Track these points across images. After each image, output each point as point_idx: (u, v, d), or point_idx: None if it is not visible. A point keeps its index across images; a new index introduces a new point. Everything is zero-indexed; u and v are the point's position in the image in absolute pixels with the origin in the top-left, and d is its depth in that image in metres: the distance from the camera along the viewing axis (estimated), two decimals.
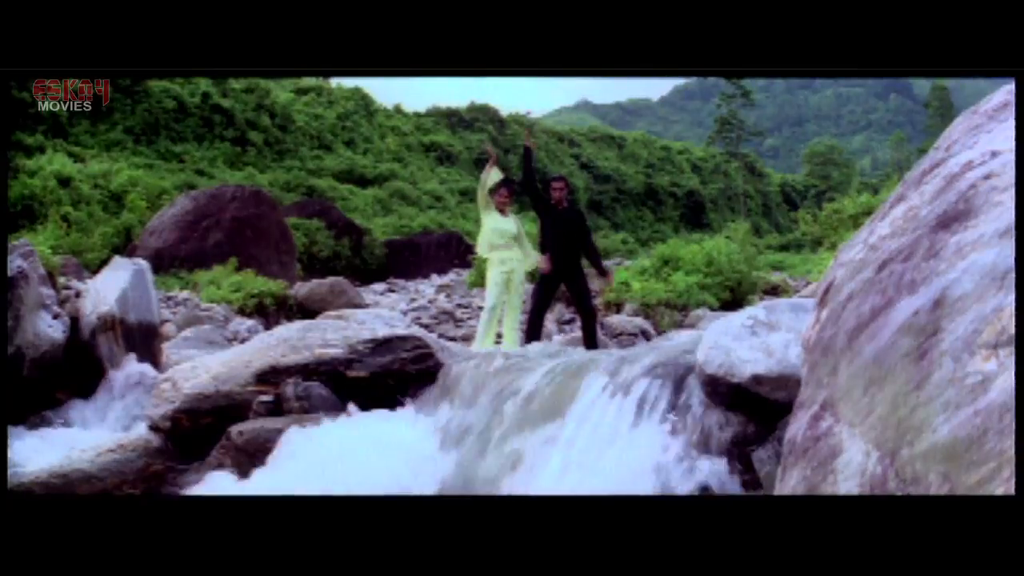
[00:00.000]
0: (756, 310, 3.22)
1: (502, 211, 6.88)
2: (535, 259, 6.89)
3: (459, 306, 12.07)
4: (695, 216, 52.87)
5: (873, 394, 1.76)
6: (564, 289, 7.61)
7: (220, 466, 4.14)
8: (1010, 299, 1.53)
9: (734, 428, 2.94)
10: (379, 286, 18.68)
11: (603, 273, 7.37)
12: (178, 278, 13.34)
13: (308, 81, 42.02)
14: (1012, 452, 1.34)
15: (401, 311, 11.30)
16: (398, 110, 46.70)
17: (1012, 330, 1.48)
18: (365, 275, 21.75)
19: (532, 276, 7.85)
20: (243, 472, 4.00)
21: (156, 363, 6.44)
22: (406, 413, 4.44)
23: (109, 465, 4.30)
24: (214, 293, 11.00)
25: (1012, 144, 1.91)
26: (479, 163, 44.74)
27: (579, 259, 7.03)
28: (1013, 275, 1.56)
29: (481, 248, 6.99)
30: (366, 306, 11.38)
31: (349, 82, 44.65)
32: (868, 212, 13.92)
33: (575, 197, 46.91)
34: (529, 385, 3.95)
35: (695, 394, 3.17)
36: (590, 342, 6.82)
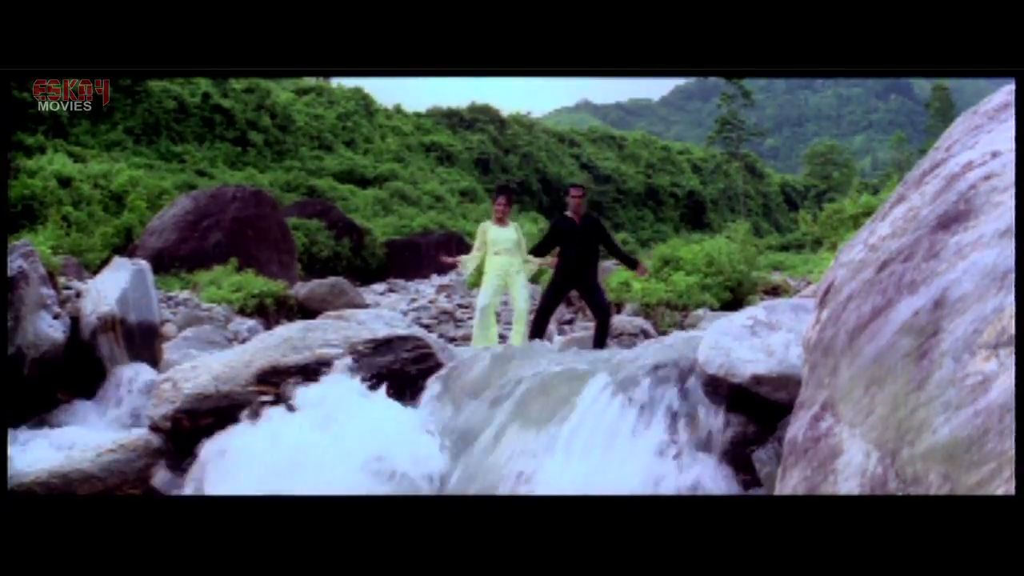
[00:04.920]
0: (756, 310, 3.22)
1: (501, 220, 6.87)
2: (533, 266, 6.99)
3: (459, 306, 12.07)
4: (695, 216, 52.87)
5: (873, 394, 1.76)
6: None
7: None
8: (1010, 299, 1.52)
9: (734, 428, 2.94)
10: (379, 286, 18.66)
11: (635, 266, 7.32)
12: (178, 278, 13.33)
13: (308, 81, 42.01)
14: (1012, 452, 1.34)
15: (401, 311, 11.30)
16: (398, 110, 46.68)
17: (1012, 330, 1.48)
18: (365, 275, 21.74)
19: (536, 279, 7.86)
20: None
21: (156, 363, 6.44)
22: (407, 412, 4.44)
23: (109, 465, 4.30)
24: (214, 293, 10.99)
25: (1012, 144, 1.91)
26: (479, 163, 44.77)
27: (595, 268, 7.05)
28: (1013, 275, 1.56)
29: (467, 266, 7.07)
30: (366, 306, 11.37)
31: (349, 82, 44.69)
32: (868, 212, 13.91)
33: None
34: (531, 384, 3.95)
35: (696, 394, 3.17)
36: (599, 342, 6.84)
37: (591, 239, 6.89)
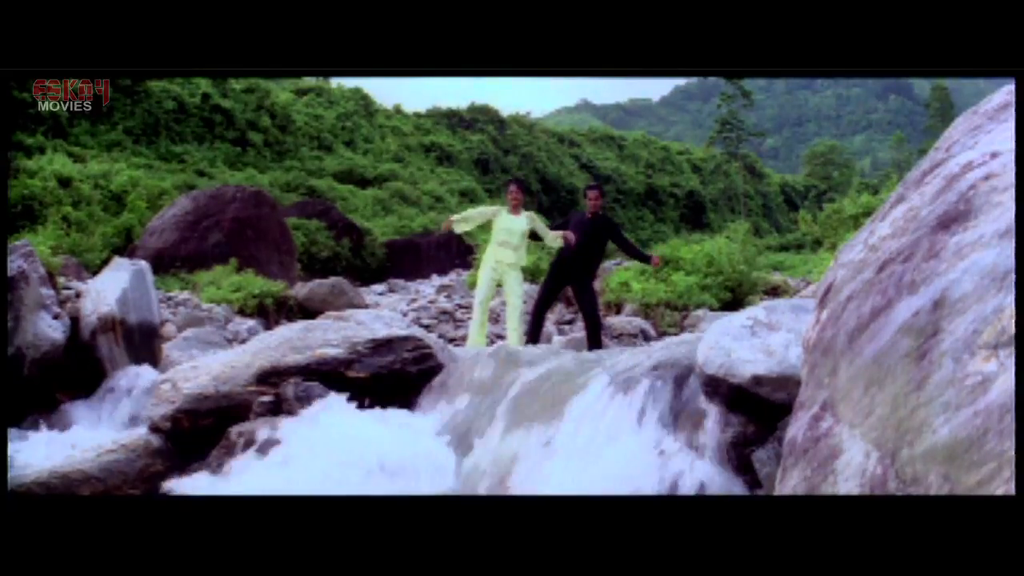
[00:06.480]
0: (756, 310, 3.22)
1: (516, 209, 6.83)
2: (552, 237, 6.81)
3: (459, 306, 12.06)
4: (695, 216, 52.86)
5: (873, 395, 1.76)
6: (566, 291, 7.60)
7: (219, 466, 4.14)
8: (1010, 299, 1.52)
9: (734, 428, 2.94)
10: (379, 286, 18.66)
11: (648, 260, 7.27)
12: (178, 278, 13.34)
13: (308, 81, 42.00)
14: (1012, 453, 1.34)
15: (401, 311, 11.29)
16: (398, 110, 46.65)
17: (1012, 330, 1.48)
18: (365, 275, 21.73)
19: (532, 276, 7.80)
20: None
21: (156, 363, 6.43)
22: (407, 412, 4.44)
23: (109, 465, 4.30)
24: (214, 293, 10.99)
25: (1012, 144, 1.91)
26: (479, 163, 44.76)
27: (594, 266, 7.04)
28: (1013, 275, 1.56)
29: (460, 224, 6.92)
30: (366, 306, 11.37)
31: (349, 82, 44.66)
32: (868, 212, 13.93)
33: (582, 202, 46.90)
34: (529, 384, 3.95)
35: (695, 395, 3.16)
36: (594, 348, 6.83)
37: (598, 236, 6.89)
